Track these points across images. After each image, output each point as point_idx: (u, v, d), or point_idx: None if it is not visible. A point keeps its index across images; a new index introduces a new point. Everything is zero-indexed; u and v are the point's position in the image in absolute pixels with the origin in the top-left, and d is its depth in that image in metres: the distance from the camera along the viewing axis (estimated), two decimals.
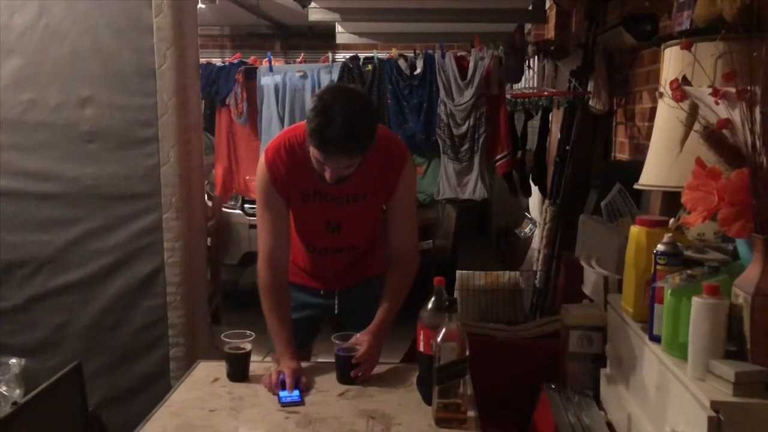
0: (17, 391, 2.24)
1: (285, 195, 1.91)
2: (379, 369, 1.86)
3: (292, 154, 1.87)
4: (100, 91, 2.36)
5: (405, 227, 1.99)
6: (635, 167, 1.97)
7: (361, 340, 1.83)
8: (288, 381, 1.73)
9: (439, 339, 1.51)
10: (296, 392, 1.71)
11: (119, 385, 2.44)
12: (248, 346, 1.84)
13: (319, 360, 2.10)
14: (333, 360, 1.84)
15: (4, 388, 2.24)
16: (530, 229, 4.89)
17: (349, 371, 1.79)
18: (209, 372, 1.88)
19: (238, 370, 1.83)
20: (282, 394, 1.71)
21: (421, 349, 1.65)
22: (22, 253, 2.43)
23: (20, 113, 2.39)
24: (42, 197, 2.41)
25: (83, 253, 2.42)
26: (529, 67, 4.61)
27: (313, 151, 1.75)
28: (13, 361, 2.32)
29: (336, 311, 2.09)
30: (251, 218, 4.66)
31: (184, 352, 2.42)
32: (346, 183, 1.83)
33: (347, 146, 1.71)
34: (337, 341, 1.84)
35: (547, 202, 3.85)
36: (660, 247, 1.45)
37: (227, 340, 1.85)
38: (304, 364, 1.86)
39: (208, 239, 2.80)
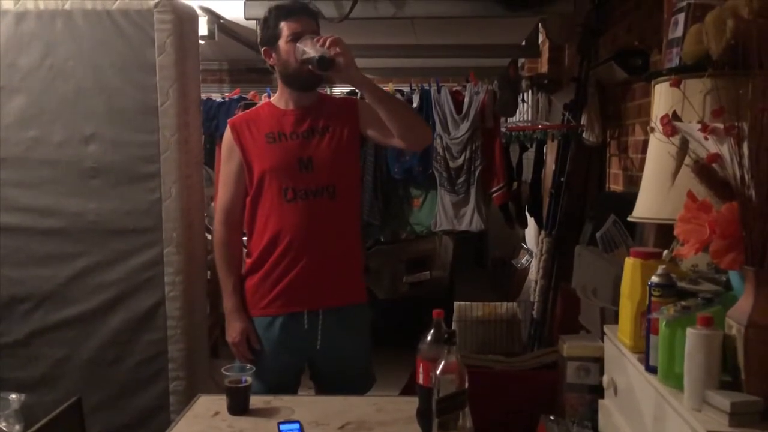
0: (17, 427, 2.24)
1: (250, 149, 2.12)
2: (378, 401, 1.87)
3: (253, 113, 2.22)
4: (103, 128, 2.41)
5: None
6: (629, 198, 2.01)
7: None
8: (242, 348, 2.12)
9: (438, 371, 1.53)
10: (296, 425, 1.72)
11: (119, 419, 2.44)
12: (249, 379, 1.85)
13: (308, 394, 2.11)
14: (331, 394, 1.85)
15: (4, 423, 2.23)
16: (527, 260, 4.92)
17: None
18: (209, 406, 1.89)
19: (239, 404, 1.84)
20: (282, 427, 1.72)
21: (420, 381, 1.66)
22: (23, 288, 2.44)
23: (24, 150, 2.42)
24: (45, 233, 2.43)
25: (84, 287, 2.44)
26: (523, 100, 4.69)
27: (286, 33, 2.06)
28: (13, 396, 2.31)
29: (318, 345, 2.12)
30: None
31: (184, 386, 2.43)
32: (305, 121, 2.13)
33: (305, 5, 2.20)
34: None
35: (543, 233, 3.88)
36: (654, 279, 1.48)
37: (228, 373, 1.86)
38: (301, 398, 1.87)
39: (208, 272, 2.81)
